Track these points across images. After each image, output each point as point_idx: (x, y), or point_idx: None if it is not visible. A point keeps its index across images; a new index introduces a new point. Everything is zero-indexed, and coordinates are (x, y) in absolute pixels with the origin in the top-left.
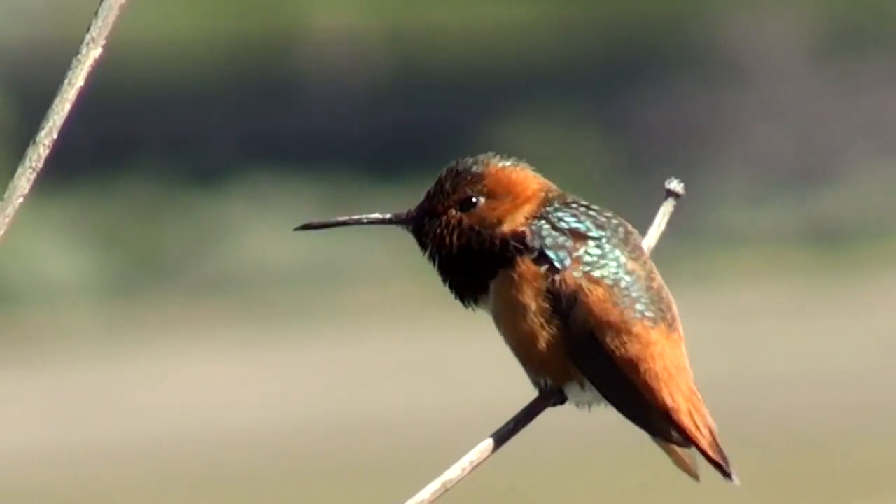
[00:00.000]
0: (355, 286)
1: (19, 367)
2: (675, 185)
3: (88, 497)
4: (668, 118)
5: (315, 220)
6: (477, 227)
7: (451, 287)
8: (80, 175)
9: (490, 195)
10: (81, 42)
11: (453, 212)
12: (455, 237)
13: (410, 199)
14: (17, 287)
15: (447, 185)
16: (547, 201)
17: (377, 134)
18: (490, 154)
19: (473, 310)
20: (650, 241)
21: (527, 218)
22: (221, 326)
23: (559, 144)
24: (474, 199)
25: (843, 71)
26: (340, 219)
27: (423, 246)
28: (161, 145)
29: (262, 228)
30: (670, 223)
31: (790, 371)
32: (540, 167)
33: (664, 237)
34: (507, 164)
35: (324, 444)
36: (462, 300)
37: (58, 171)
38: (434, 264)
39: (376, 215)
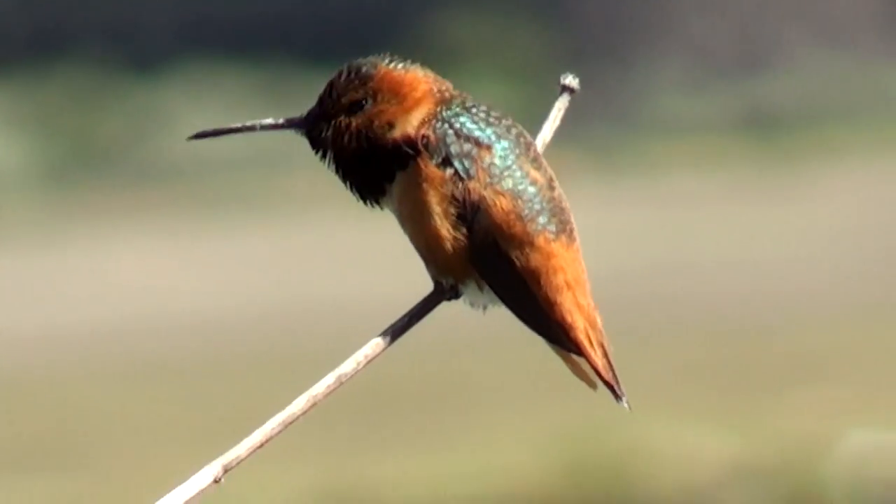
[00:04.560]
0: (291, 174)
1: None
2: (570, 80)
3: (27, 383)
4: (605, 8)
5: (208, 128)
6: (366, 131)
7: (350, 189)
8: (16, 63)
9: (378, 97)
10: None
11: (343, 115)
12: (346, 141)
13: None
14: None
15: (337, 89)
16: (444, 102)
17: (314, 20)
18: (381, 56)
19: (374, 208)
20: (545, 136)
21: (423, 121)
22: (159, 214)
23: (496, 33)
24: (362, 102)
25: None
26: (234, 126)
27: (317, 150)
28: (98, 32)
29: (200, 115)
30: (610, 111)
31: (726, 258)
32: (477, 56)
33: (605, 127)
34: (399, 66)
35: (255, 331)
36: (363, 200)
37: None
38: (331, 168)
39: (269, 121)
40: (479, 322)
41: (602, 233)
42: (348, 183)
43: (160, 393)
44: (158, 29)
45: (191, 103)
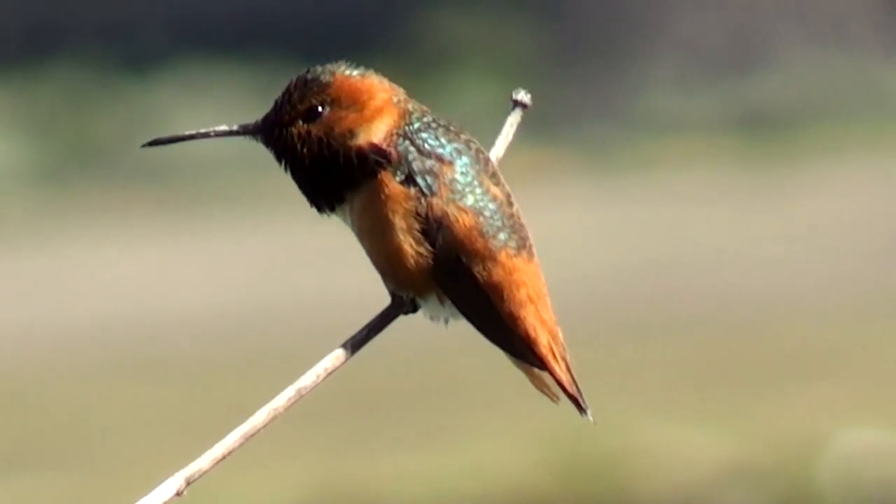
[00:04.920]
0: (287, 174)
1: None
2: (522, 95)
3: (18, 382)
4: (599, 6)
5: (164, 136)
6: (325, 138)
7: (306, 195)
8: (10, 63)
9: (335, 104)
10: None
11: (300, 122)
12: (304, 148)
13: None
14: None
15: (294, 95)
16: (407, 116)
17: (308, 20)
18: (338, 63)
19: (328, 217)
20: (498, 151)
21: (388, 133)
22: (153, 213)
23: (490, 31)
24: (319, 109)
25: None
26: (188, 133)
27: (275, 156)
28: (92, 32)
29: (194, 115)
30: (604, 109)
31: (720, 256)
32: (470, 54)
33: (598, 125)
34: (354, 73)
35: (252, 329)
36: (317, 209)
37: None
38: (288, 174)
39: (223, 127)
40: (471, 328)
41: (596, 230)
42: (303, 191)
43: (155, 390)
44: (153, 28)
45: (186, 102)
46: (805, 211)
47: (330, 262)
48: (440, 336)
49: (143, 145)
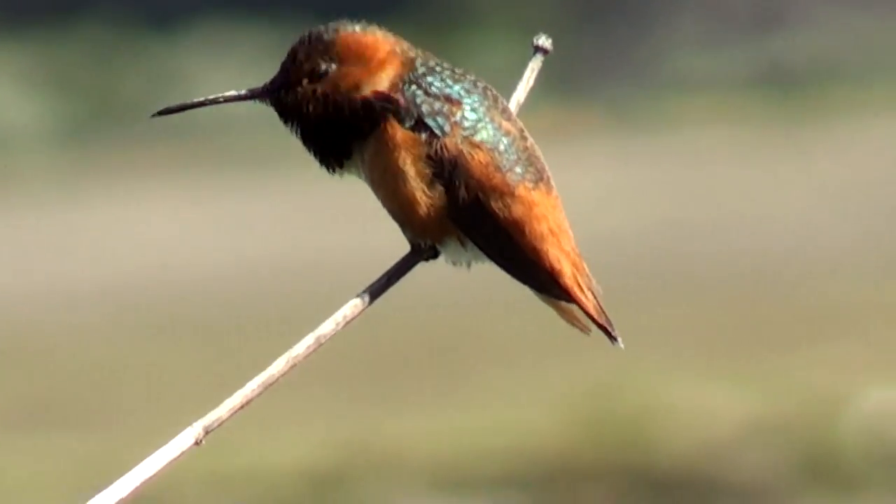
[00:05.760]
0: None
1: None
2: (543, 40)
3: (46, 338)
4: None
5: (173, 104)
6: (332, 94)
7: (315, 155)
8: (34, 22)
9: (341, 61)
10: None
11: (306, 81)
12: (311, 106)
13: None
14: None
15: (300, 56)
16: (411, 63)
17: None
18: (341, 21)
19: (340, 176)
20: (519, 96)
21: (393, 81)
22: (177, 171)
23: None
24: (325, 68)
25: None
26: (197, 101)
27: (283, 118)
28: None
29: (218, 73)
30: (627, 68)
31: (744, 214)
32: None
33: (621, 84)
34: (357, 28)
35: (276, 286)
36: (327, 167)
37: (11, 18)
38: (296, 135)
39: (232, 93)
40: (491, 281)
41: (620, 189)
42: (311, 150)
43: (178, 348)
44: None
45: (209, 61)
46: (831, 169)
47: (353, 221)
48: (461, 292)
49: (153, 115)
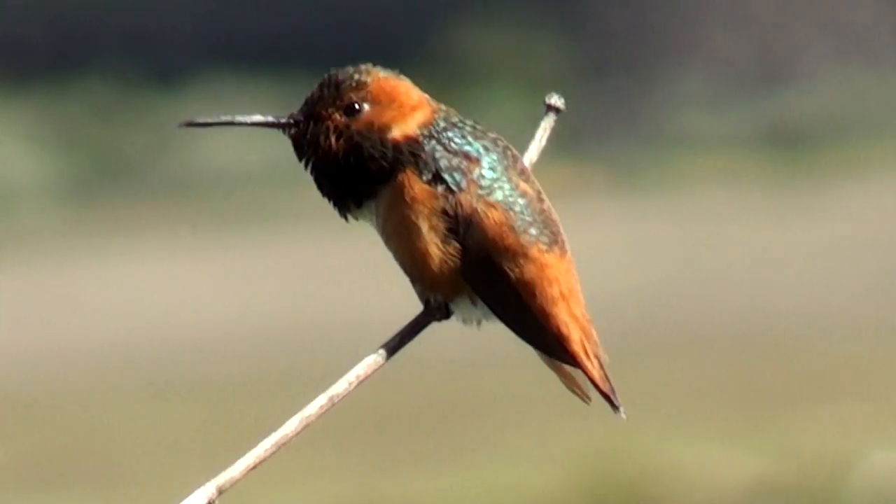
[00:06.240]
0: (314, 189)
1: None
2: (556, 100)
3: (47, 397)
4: (627, 21)
5: (200, 119)
6: (364, 132)
7: (329, 195)
8: (38, 77)
9: (375, 102)
10: None
11: (338, 116)
12: (340, 141)
13: None
14: None
15: (330, 91)
16: (435, 114)
17: (336, 35)
18: (370, 64)
19: (354, 219)
20: (531, 156)
21: (420, 127)
22: (180, 228)
23: (518, 47)
24: (357, 106)
25: None
26: (224, 118)
27: (301, 151)
28: (120, 47)
29: (222, 131)
30: (632, 126)
31: (748, 274)
32: (498, 69)
33: (626, 142)
34: (390, 73)
35: (280, 346)
36: (340, 208)
37: (15, 74)
38: (312, 171)
39: (258, 117)
40: (498, 341)
41: (624, 248)
42: (327, 189)
43: (186, 407)
44: (180, 43)
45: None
46: (833, 229)
47: (360, 279)
48: (468, 352)
49: (179, 125)
